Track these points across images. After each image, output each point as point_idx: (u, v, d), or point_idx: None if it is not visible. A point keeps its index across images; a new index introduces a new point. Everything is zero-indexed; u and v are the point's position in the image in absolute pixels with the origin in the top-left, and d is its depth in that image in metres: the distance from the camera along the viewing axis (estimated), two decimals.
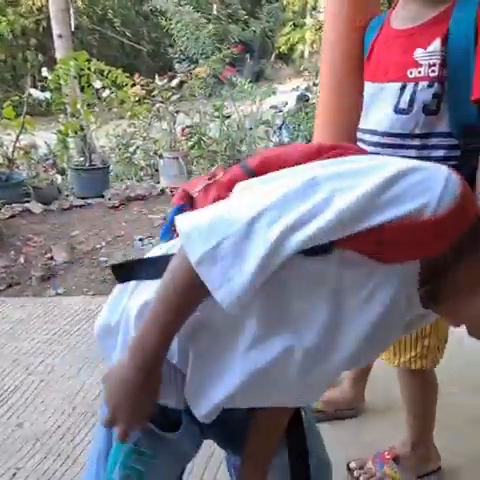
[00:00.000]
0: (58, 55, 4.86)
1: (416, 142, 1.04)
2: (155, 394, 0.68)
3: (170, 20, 5.63)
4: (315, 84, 5.43)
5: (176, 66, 5.31)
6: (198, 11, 5.84)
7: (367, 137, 1.12)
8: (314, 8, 10.58)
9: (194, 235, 0.58)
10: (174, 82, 4.73)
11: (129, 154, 5.33)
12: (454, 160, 1.02)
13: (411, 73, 1.00)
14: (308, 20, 10.78)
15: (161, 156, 4.74)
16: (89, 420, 1.65)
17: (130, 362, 0.65)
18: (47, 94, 4.15)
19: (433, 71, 0.98)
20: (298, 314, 0.62)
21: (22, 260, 3.15)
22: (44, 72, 4.23)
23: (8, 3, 12.36)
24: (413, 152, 1.05)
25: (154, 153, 5.12)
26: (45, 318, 2.39)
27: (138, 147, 5.30)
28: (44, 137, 4.99)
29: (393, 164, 0.56)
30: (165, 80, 4.75)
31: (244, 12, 11.60)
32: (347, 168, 0.58)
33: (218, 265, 0.57)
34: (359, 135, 1.16)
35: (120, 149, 5.37)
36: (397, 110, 1.03)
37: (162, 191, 4.55)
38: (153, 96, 4.78)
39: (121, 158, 5.31)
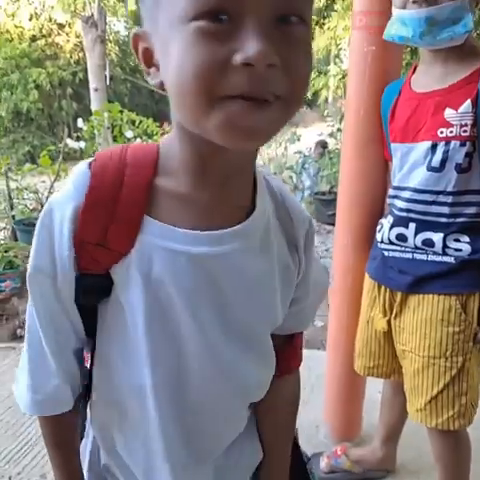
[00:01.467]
0: (93, 107, 5.14)
1: (449, 199, 1.06)
2: None
3: None
4: (339, 129, 5.53)
5: None
6: None
7: (400, 194, 1.15)
8: (337, 56, 10.94)
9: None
10: None
11: None
12: None
13: (442, 132, 1.03)
14: (332, 67, 11.12)
15: None
16: None
17: None
18: (82, 144, 4.36)
19: (465, 131, 1.01)
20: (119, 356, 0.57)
21: None
22: (79, 123, 4.46)
23: (47, 57, 13.24)
24: (446, 209, 1.07)
25: None
26: None
27: None
28: None
29: None
30: None
31: None
32: None
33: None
34: (391, 192, 1.18)
35: None
36: (430, 168, 1.06)
37: None
38: None
39: None
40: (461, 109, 1.01)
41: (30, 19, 13.16)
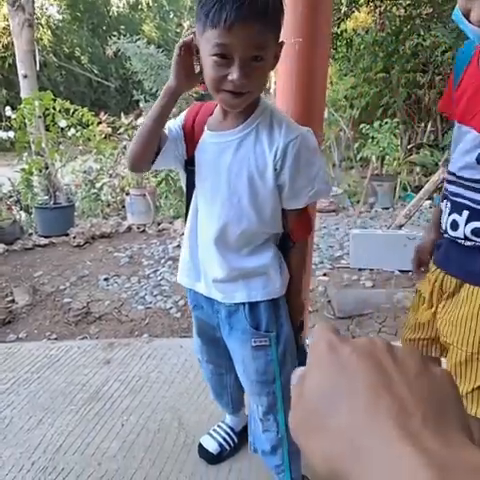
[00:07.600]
0: (23, 94, 4.84)
1: None
2: None
3: (130, 61, 5.75)
4: None
5: (141, 105, 5.38)
6: (161, 49, 5.97)
7: (452, 178, 1.11)
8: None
9: None
10: (139, 120, 4.78)
11: (95, 190, 5.31)
12: None
13: None
14: None
15: (128, 193, 4.74)
16: (49, 475, 1.58)
17: None
18: (11, 133, 4.12)
19: None
20: None
21: None
22: (8, 111, 4.21)
23: None
24: None
25: (121, 190, 5.11)
26: (4, 366, 2.29)
27: (104, 184, 5.29)
28: (7, 174, 4.92)
29: None
30: (131, 118, 4.80)
31: None
32: None
33: None
34: (448, 176, 1.13)
35: (87, 185, 5.34)
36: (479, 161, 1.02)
37: (129, 228, 4.52)
38: (119, 133, 4.81)
39: (87, 194, 5.28)
40: None
41: None
